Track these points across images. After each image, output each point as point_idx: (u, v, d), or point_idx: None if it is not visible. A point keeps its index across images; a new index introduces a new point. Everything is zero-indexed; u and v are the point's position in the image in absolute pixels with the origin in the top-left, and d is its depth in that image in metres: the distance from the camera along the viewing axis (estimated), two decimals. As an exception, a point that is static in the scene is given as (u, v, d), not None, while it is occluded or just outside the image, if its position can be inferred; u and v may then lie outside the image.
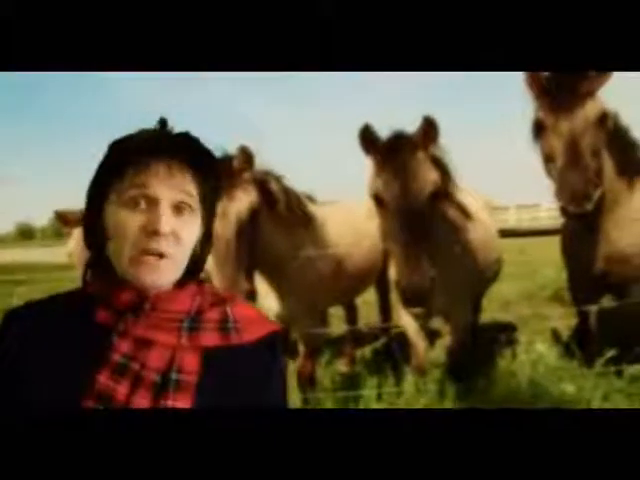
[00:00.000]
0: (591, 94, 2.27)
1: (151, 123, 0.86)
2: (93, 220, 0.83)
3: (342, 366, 3.85)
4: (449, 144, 2.24)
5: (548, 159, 2.34)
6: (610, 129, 2.45)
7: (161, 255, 0.77)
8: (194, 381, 0.78)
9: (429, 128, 2.04)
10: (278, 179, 2.68)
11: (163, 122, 0.86)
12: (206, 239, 0.88)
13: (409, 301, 1.93)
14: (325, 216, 3.05)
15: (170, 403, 0.76)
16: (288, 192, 2.71)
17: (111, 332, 0.79)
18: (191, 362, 0.79)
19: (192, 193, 0.80)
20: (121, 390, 0.75)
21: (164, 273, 0.78)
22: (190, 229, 0.81)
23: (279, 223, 2.62)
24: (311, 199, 3.24)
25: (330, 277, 2.94)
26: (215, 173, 0.87)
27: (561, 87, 2.30)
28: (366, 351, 4.29)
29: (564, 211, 2.21)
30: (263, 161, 2.63)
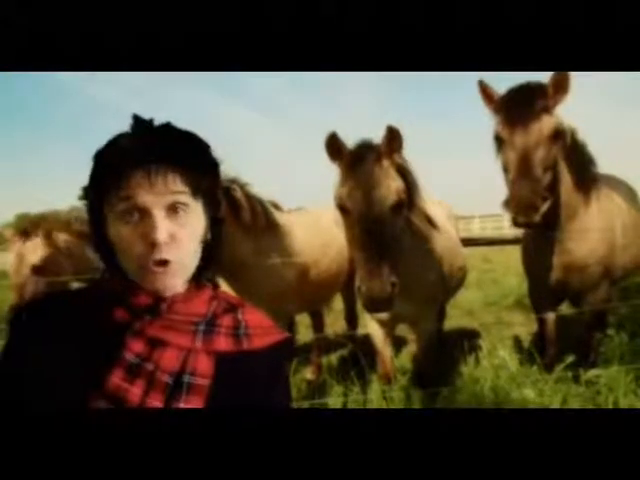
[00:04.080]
0: (547, 110, 2.35)
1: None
2: (98, 235, 0.82)
3: (309, 374, 3.83)
4: (418, 154, 2.29)
5: (505, 171, 2.42)
6: (567, 144, 2.54)
7: (165, 262, 0.77)
8: (207, 384, 0.78)
9: (393, 137, 2.06)
10: (243, 187, 2.67)
11: (137, 120, 0.83)
12: (214, 225, 0.87)
13: (370, 307, 1.95)
14: (291, 223, 3.04)
15: (182, 406, 0.76)
16: (252, 199, 2.70)
17: (125, 331, 0.78)
18: (205, 365, 0.79)
19: (182, 190, 0.79)
20: (135, 391, 0.74)
21: (173, 277, 0.78)
22: (189, 227, 0.80)
23: (243, 230, 2.60)
24: (277, 207, 3.23)
25: (296, 284, 2.93)
26: (202, 158, 0.84)
27: (517, 102, 2.38)
28: (332, 359, 4.29)
29: (514, 221, 2.29)
30: (228, 169, 2.61)
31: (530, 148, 2.30)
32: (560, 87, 2.35)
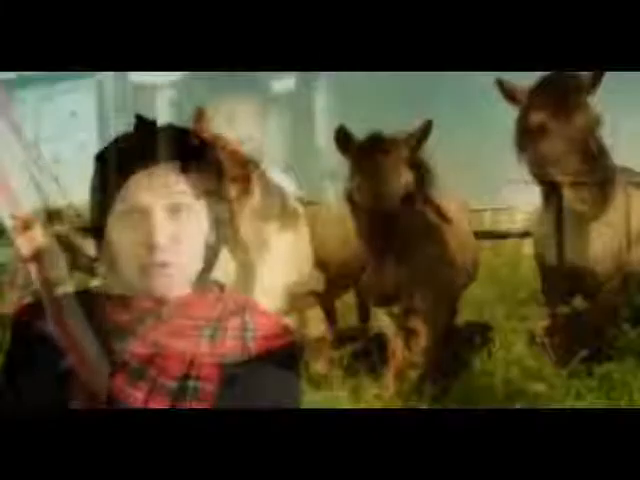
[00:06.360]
0: (585, 100, 2.31)
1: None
2: (98, 235, 0.82)
3: (320, 368, 3.84)
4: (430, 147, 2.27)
5: (541, 161, 2.37)
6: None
7: (165, 264, 0.76)
8: (213, 390, 0.77)
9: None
10: (261, 174, 2.65)
11: (139, 119, 0.82)
12: (218, 226, 0.84)
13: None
14: (310, 216, 3.05)
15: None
16: (268, 184, 2.68)
17: (128, 335, 0.77)
18: (211, 371, 0.77)
19: (185, 190, 0.78)
20: (137, 396, 0.73)
21: (173, 281, 0.77)
22: (191, 229, 0.79)
23: (257, 215, 2.59)
24: (301, 200, 3.23)
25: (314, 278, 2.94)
26: (205, 158, 0.83)
27: (558, 91, 2.31)
28: (344, 353, 4.29)
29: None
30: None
31: (577, 135, 2.27)
32: (596, 81, 2.30)
